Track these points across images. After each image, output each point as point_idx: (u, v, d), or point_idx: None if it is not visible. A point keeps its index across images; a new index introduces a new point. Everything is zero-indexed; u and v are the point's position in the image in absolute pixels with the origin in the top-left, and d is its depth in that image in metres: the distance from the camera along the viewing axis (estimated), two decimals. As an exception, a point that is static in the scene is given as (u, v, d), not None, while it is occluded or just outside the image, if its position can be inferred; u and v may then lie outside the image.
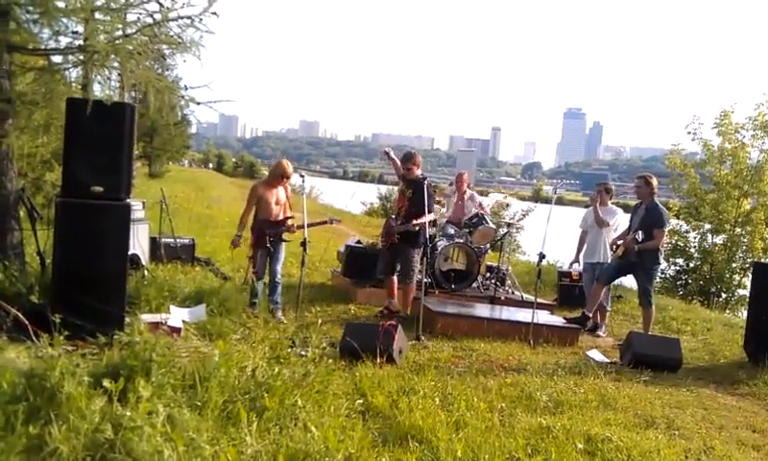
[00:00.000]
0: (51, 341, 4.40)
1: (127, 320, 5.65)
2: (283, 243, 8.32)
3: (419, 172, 8.85)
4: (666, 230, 9.44)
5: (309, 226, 8.17)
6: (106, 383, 3.84)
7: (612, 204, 9.97)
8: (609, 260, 9.28)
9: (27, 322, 5.12)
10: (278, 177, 8.31)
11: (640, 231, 8.50)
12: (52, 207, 6.38)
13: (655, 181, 8.98)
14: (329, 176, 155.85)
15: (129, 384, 3.89)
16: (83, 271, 5.76)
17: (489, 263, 11.41)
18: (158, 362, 4.23)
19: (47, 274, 6.29)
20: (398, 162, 9.15)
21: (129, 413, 3.58)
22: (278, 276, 8.26)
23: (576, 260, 10.23)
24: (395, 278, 8.80)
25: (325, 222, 9.31)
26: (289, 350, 5.64)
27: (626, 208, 9.80)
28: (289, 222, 8.25)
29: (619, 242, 8.95)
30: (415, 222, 8.40)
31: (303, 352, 5.81)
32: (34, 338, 4.73)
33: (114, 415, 3.59)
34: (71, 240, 5.79)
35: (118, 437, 3.43)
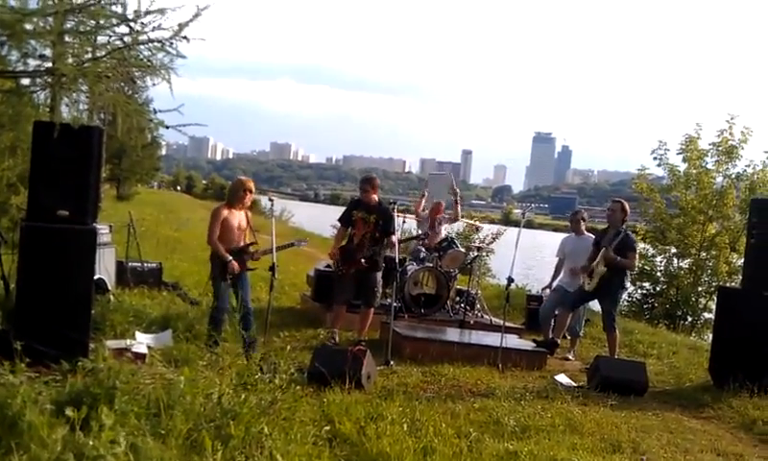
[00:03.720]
0: (13, 368, 4.33)
1: (91, 346, 5.60)
2: (248, 273, 7.69)
3: (375, 197, 8.71)
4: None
5: (276, 249, 7.96)
6: (68, 411, 3.77)
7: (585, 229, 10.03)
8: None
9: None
10: (239, 194, 7.62)
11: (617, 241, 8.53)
12: (17, 231, 6.30)
13: (628, 208, 9.07)
14: (300, 198, 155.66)
15: (91, 412, 3.82)
16: (47, 296, 5.71)
17: (458, 287, 11.44)
18: (122, 389, 4.18)
19: (11, 299, 6.20)
20: None
21: (91, 442, 3.52)
22: (250, 306, 7.57)
23: (549, 286, 10.28)
24: (344, 307, 8.72)
25: (292, 244, 8.94)
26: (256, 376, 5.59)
27: (594, 232, 9.88)
28: (251, 248, 7.67)
29: (594, 263, 8.79)
30: (395, 241, 8.50)
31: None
32: (-5, 365, 4.65)
33: (76, 444, 3.53)
34: (36, 265, 5.74)
35: (80, 466, 3.38)
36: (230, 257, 7.38)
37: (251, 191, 7.70)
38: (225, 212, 7.58)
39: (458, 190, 12.00)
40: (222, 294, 7.51)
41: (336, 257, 8.66)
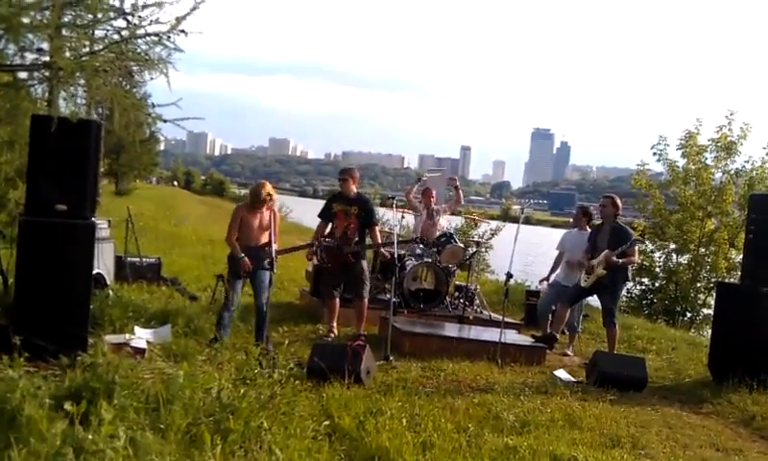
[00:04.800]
0: (11, 362, 4.32)
1: (90, 341, 5.59)
2: (266, 272, 7.51)
3: (354, 187, 8.74)
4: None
5: (293, 250, 8.04)
6: (67, 406, 3.76)
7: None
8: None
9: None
10: (254, 201, 7.70)
11: (624, 245, 8.53)
12: (15, 226, 6.29)
13: (620, 202, 9.07)
14: (299, 194, 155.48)
15: (91, 407, 3.82)
16: (46, 291, 5.70)
17: (457, 283, 11.44)
18: (121, 384, 4.17)
19: (9, 294, 6.19)
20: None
21: (90, 436, 3.51)
22: (264, 309, 7.47)
23: (547, 279, 10.28)
24: (337, 300, 8.72)
25: (311, 245, 8.87)
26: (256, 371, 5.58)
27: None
28: (272, 246, 7.42)
29: (594, 261, 8.73)
30: (378, 242, 8.76)
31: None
32: (-6, 359, 4.63)
33: (76, 438, 3.52)
34: (34, 259, 5.73)
35: (79, 460, 3.37)
36: (242, 254, 7.49)
37: (262, 200, 7.67)
38: (243, 211, 7.75)
39: (456, 179, 12.11)
40: (230, 292, 7.65)
41: (320, 251, 8.62)
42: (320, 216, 8.89)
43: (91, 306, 6.14)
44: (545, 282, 10.35)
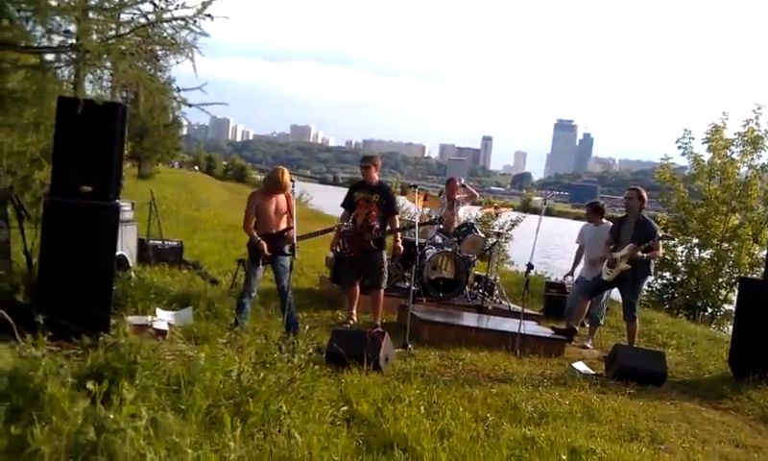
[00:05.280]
0: (35, 341, 4.38)
1: (112, 321, 5.63)
2: (286, 257, 7.50)
3: (376, 175, 8.74)
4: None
5: (312, 235, 8.01)
6: (89, 385, 3.81)
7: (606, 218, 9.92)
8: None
9: (12, 321, 5.08)
10: (274, 188, 7.66)
11: (651, 241, 8.48)
12: (40, 206, 6.35)
13: (645, 195, 8.98)
14: (319, 181, 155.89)
15: (112, 386, 3.86)
16: (69, 271, 5.75)
17: (477, 273, 11.42)
18: (143, 365, 4.22)
19: (34, 273, 6.25)
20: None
21: (112, 415, 3.55)
22: (286, 290, 7.40)
23: (570, 274, 10.25)
24: (357, 288, 8.73)
25: (331, 229, 8.85)
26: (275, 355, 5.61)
27: (612, 220, 9.79)
28: (290, 233, 7.49)
29: (617, 255, 8.69)
30: (396, 227, 8.69)
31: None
32: (18, 338, 4.69)
33: (97, 417, 3.57)
34: (59, 240, 5.78)
35: (101, 439, 3.41)
36: (258, 237, 7.44)
37: (283, 186, 7.61)
38: (258, 198, 7.66)
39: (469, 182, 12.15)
40: (248, 278, 7.62)
41: (342, 239, 8.64)
42: (343, 205, 8.89)
43: (114, 287, 6.19)
44: (570, 277, 10.33)
